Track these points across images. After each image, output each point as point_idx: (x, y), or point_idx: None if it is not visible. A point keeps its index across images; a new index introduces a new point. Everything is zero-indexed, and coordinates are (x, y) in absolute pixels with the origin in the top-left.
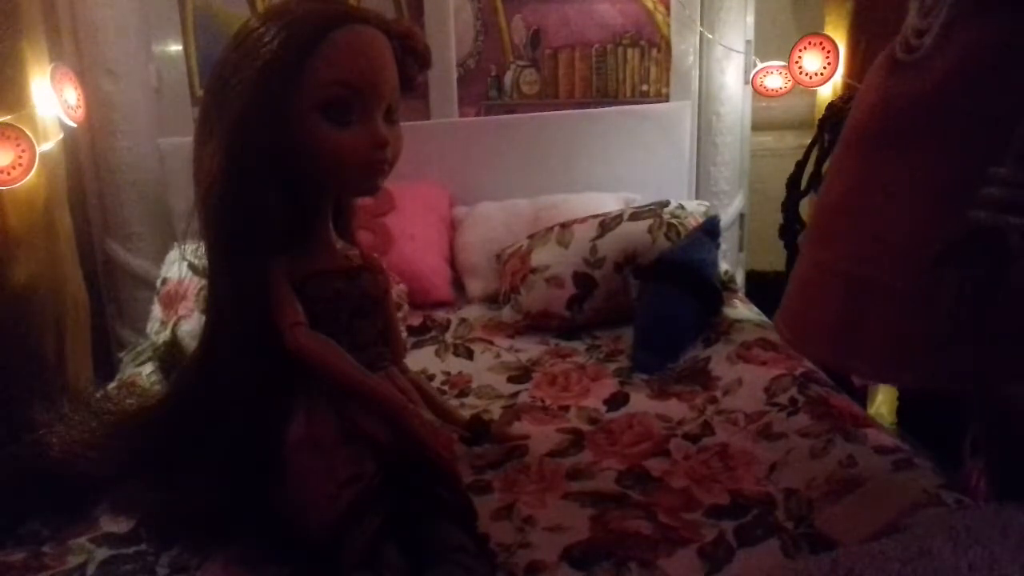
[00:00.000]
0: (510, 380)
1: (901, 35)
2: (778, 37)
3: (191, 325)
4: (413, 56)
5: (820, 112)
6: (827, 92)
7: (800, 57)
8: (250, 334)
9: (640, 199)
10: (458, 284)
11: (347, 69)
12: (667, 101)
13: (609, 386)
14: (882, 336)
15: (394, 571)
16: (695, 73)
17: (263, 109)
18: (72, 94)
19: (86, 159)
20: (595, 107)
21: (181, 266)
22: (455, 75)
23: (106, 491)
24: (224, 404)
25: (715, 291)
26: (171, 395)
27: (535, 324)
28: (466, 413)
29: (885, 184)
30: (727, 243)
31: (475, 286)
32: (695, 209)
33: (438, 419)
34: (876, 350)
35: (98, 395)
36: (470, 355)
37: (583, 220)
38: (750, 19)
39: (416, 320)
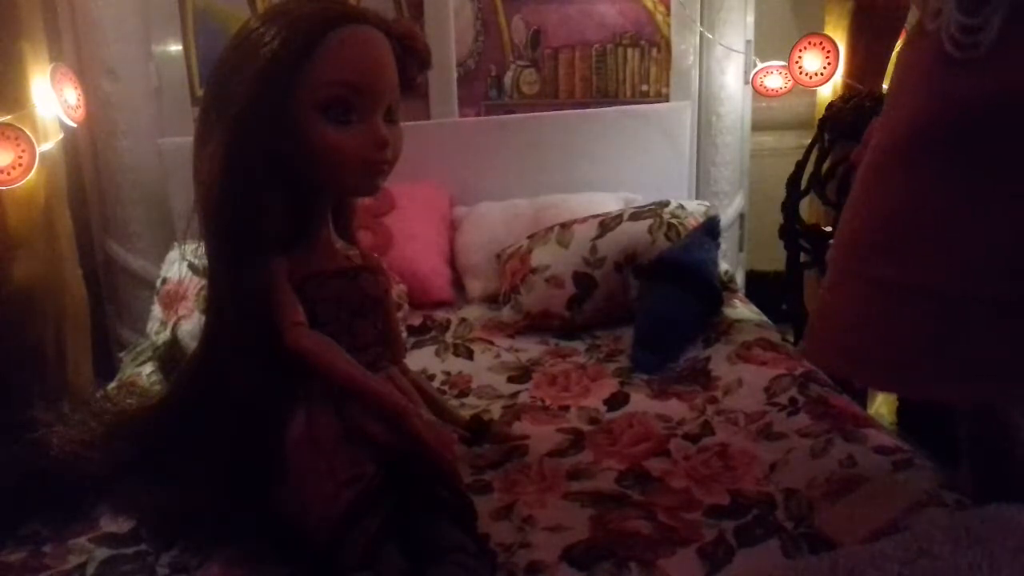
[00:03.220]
0: (510, 380)
1: (944, 32)
2: (778, 37)
3: (191, 325)
4: (413, 56)
5: (820, 112)
6: (827, 92)
7: (800, 57)
8: (250, 334)
9: (640, 199)
10: (458, 284)
11: (347, 69)
12: (667, 101)
13: (609, 386)
14: (990, 353)
15: (394, 571)
16: (695, 73)
17: (263, 109)
18: (72, 94)
19: (86, 159)
20: (595, 107)
21: (181, 266)
22: (455, 75)
23: (106, 491)
24: (224, 404)
25: (715, 291)
26: (171, 395)
27: (535, 324)
28: (466, 413)
29: (972, 192)
30: (727, 243)
31: (475, 286)
32: (695, 209)
33: (438, 419)
34: (980, 368)
35: (98, 395)
36: (470, 355)
37: (583, 220)
38: (750, 19)
39: (416, 320)
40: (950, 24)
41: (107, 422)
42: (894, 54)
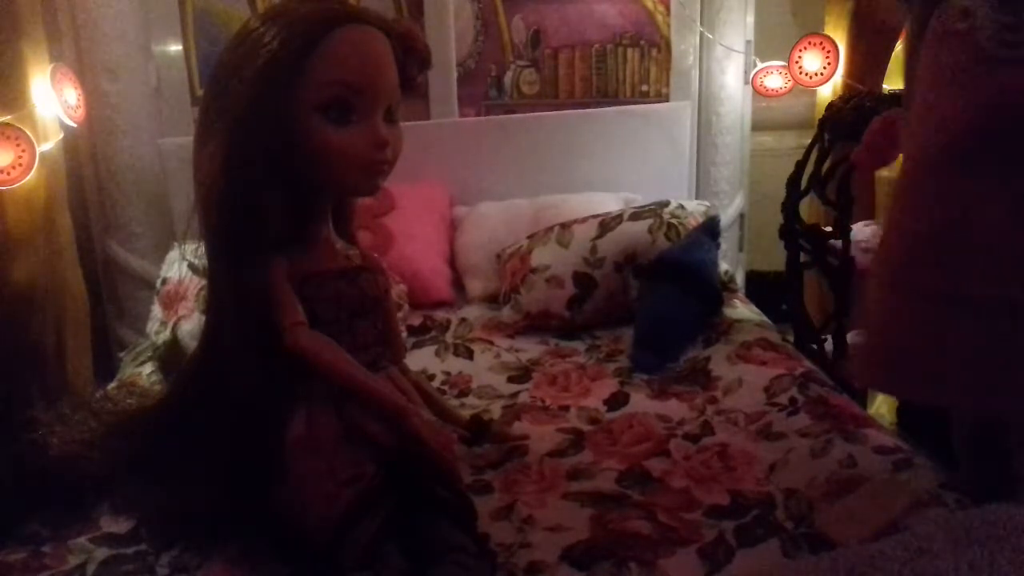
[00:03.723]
0: (510, 380)
1: (980, 33)
2: (778, 37)
3: (191, 325)
4: (413, 56)
5: (820, 112)
6: (827, 92)
7: (800, 57)
8: (250, 334)
9: (640, 199)
10: (458, 284)
11: (347, 69)
12: (667, 101)
13: (609, 386)
14: None
15: (394, 571)
16: (695, 73)
17: (263, 109)
18: (72, 94)
19: (86, 159)
20: (595, 107)
21: (181, 266)
22: (455, 75)
23: (106, 491)
24: (224, 404)
25: (715, 291)
26: (171, 395)
27: (535, 324)
28: (466, 413)
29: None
30: (727, 243)
31: (475, 286)
32: (695, 209)
33: (438, 419)
34: None
35: (98, 395)
36: (470, 355)
37: (583, 220)
38: (750, 19)
39: (416, 320)
40: (987, 24)
41: (107, 422)
42: (894, 55)
